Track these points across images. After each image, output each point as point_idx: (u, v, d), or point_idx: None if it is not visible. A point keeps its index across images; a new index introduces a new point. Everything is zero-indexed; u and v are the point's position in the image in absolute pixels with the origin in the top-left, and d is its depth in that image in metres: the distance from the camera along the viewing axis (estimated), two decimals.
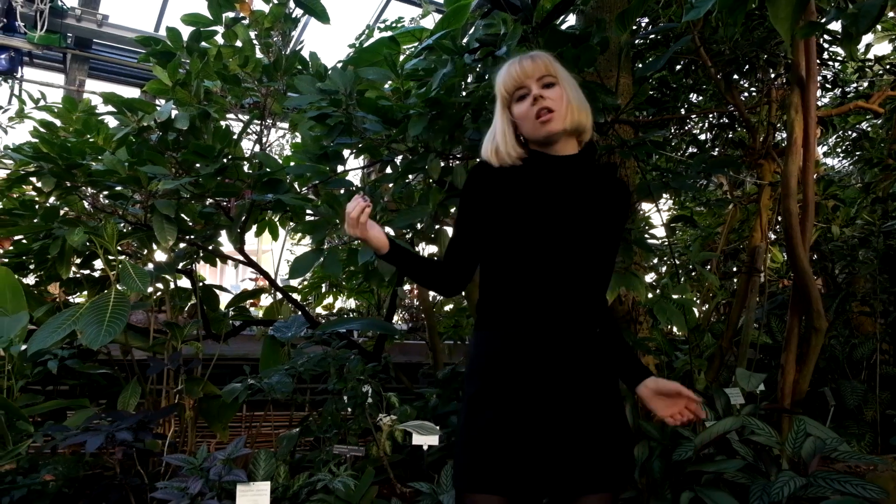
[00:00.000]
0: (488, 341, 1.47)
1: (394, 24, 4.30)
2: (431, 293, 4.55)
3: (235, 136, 3.00)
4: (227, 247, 3.68)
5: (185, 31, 2.88)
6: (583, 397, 1.41)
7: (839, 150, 6.57)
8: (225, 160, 2.62)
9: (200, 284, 3.68)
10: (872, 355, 4.08)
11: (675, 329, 4.81)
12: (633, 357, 1.54)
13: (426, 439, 2.44)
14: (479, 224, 1.50)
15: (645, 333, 2.77)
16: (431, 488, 2.44)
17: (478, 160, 1.58)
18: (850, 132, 6.09)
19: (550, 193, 1.47)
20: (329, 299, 5.59)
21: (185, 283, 3.71)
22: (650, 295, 2.72)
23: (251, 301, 5.14)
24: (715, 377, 3.51)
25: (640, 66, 3.30)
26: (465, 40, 3.09)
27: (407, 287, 5.56)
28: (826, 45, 4.04)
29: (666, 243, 4.40)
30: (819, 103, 4.70)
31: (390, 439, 2.97)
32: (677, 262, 4.49)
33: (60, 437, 2.44)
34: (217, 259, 3.75)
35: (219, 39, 2.96)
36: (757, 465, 2.44)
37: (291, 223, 4.74)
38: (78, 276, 3.46)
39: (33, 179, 3.01)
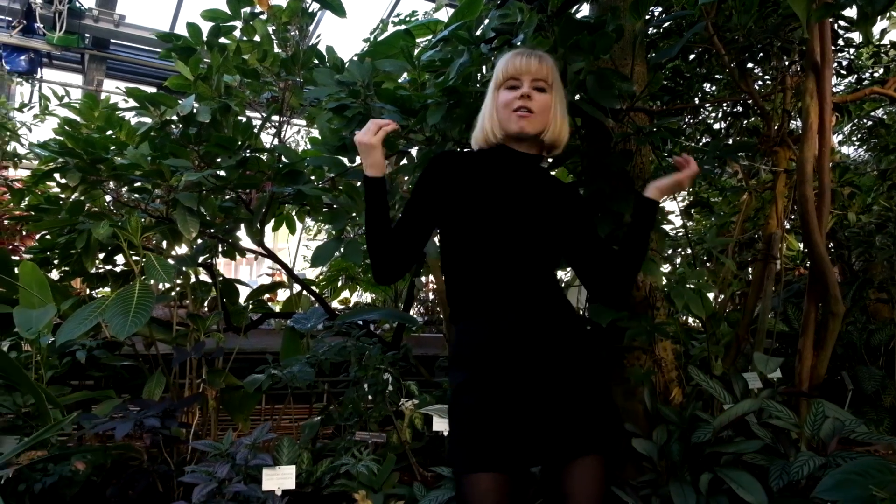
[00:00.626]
0: (467, 330, 1.53)
1: (408, 18, 4.32)
2: None
3: (256, 130, 3.04)
4: (245, 242, 3.73)
5: (205, 27, 2.93)
6: (560, 370, 1.48)
7: (854, 138, 6.54)
8: (246, 152, 2.67)
9: (220, 278, 3.74)
10: (890, 342, 4.07)
11: (690, 319, 4.84)
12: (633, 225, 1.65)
13: (446, 424, 2.47)
14: (433, 212, 1.57)
15: (662, 318, 2.79)
16: (453, 472, 2.48)
17: (441, 152, 1.65)
18: (865, 120, 6.07)
19: (506, 186, 1.56)
20: (346, 293, 5.63)
21: (204, 278, 3.77)
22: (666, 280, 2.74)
23: (268, 296, 5.20)
24: (732, 364, 3.52)
25: (654, 54, 3.30)
26: (479, 31, 3.11)
27: (423, 279, 5.60)
28: (841, 32, 4.03)
29: (682, 233, 4.41)
30: (834, 90, 4.69)
31: (411, 427, 3.01)
32: (693, 250, 4.50)
33: (90, 424, 2.49)
34: (235, 254, 3.80)
35: (237, 35, 3.01)
36: (776, 448, 2.46)
37: (308, 217, 4.80)
38: (101, 271, 3.52)
39: (58, 176, 3.08)
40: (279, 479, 2.22)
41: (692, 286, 2.73)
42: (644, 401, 2.72)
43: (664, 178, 1.68)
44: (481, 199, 1.54)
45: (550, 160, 2.70)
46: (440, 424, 2.53)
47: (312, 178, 3.15)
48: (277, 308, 5.33)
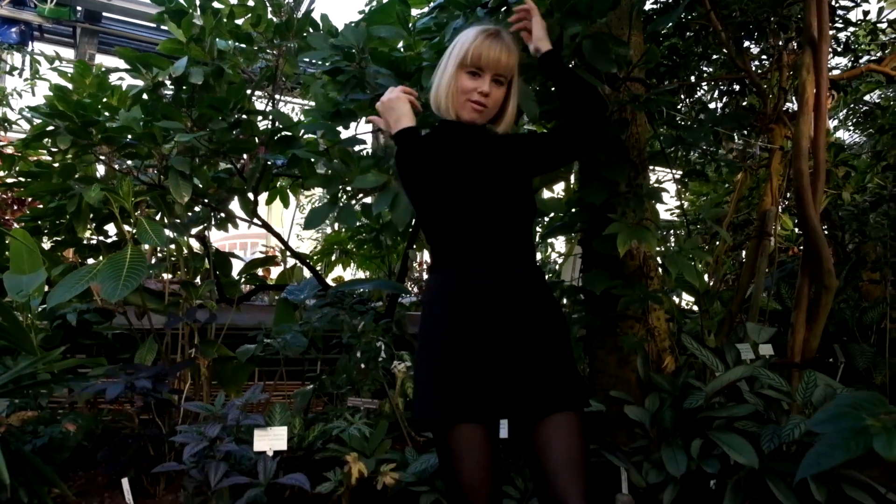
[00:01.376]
0: (441, 280, 1.55)
1: None
2: None
3: (249, 92, 3.02)
4: (238, 214, 3.71)
5: None
6: (533, 324, 1.48)
7: (850, 122, 6.55)
8: (239, 115, 2.64)
9: (213, 250, 3.72)
10: (882, 320, 4.09)
11: (683, 302, 4.85)
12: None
13: None
14: (419, 185, 1.58)
15: (656, 287, 2.79)
16: None
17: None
18: (861, 105, 6.07)
19: (463, 151, 1.62)
20: (339, 269, 5.62)
21: (198, 250, 3.76)
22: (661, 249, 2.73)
23: (262, 272, 5.19)
24: (725, 338, 3.53)
25: (652, 23, 3.28)
26: None
27: (417, 255, 5.59)
28: (841, 12, 4.02)
29: (676, 212, 4.41)
30: (831, 70, 4.68)
31: (403, 396, 3.01)
32: (688, 225, 4.50)
33: (80, 387, 2.48)
34: (228, 226, 3.78)
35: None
36: (767, 415, 2.47)
37: (302, 192, 4.78)
38: (93, 241, 3.50)
39: (49, 143, 3.05)
40: (271, 439, 2.22)
41: (687, 255, 2.73)
42: (637, 369, 2.72)
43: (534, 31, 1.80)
44: (447, 164, 1.59)
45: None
46: None
47: (305, 146, 3.13)
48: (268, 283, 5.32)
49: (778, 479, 2.16)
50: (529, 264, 1.57)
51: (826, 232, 4.85)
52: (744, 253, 4.66)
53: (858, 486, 2.15)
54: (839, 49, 4.29)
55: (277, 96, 3.59)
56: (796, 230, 4.93)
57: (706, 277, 4.61)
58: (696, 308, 4.41)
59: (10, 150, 3.38)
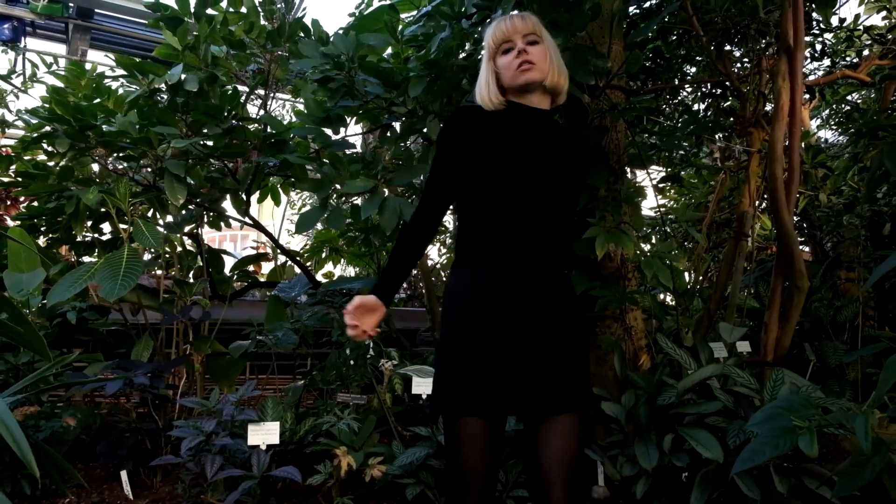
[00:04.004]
0: (471, 275, 1.57)
1: None
2: (430, 259, 4.68)
3: (242, 100, 3.10)
4: (230, 213, 3.80)
5: None
6: (554, 329, 1.54)
7: (832, 122, 6.67)
8: (233, 122, 2.74)
9: (206, 248, 3.81)
10: (856, 318, 4.22)
11: (668, 298, 4.98)
12: None
13: (425, 385, 2.58)
14: (457, 166, 1.60)
15: (633, 288, 2.91)
16: (430, 431, 2.59)
17: (456, 108, 1.70)
18: (843, 105, 6.19)
19: (525, 140, 1.60)
20: (329, 266, 5.71)
21: (191, 248, 3.85)
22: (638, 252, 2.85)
23: (253, 268, 5.28)
24: (703, 337, 3.65)
25: (633, 32, 3.39)
26: (463, 8, 3.18)
27: None
28: (816, 18, 4.13)
29: (656, 211, 4.53)
30: (811, 74, 4.81)
31: (391, 391, 3.12)
32: (667, 228, 4.62)
33: (81, 383, 2.58)
34: (221, 224, 3.87)
35: (224, 6, 3.06)
36: (737, 411, 2.59)
37: (293, 191, 4.87)
38: (88, 238, 3.58)
39: (45, 144, 3.13)
40: (264, 434, 2.32)
41: (662, 258, 2.85)
42: (614, 367, 2.84)
43: None
44: (503, 153, 1.59)
45: None
46: (419, 387, 2.63)
47: (297, 151, 3.23)
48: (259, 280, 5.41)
49: (743, 472, 2.28)
50: (560, 269, 1.61)
51: (805, 231, 5.00)
52: (724, 251, 4.79)
53: (819, 478, 2.28)
54: (816, 54, 4.41)
55: (270, 97, 3.68)
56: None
57: (687, 275, 4.74)
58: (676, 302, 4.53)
59: (7, 151, 3.45)
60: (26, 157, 3.40)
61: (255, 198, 4.05)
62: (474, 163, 1.58)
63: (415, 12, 3.68)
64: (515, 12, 1.70)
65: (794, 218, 4.17)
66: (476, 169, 1.58)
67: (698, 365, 2.82)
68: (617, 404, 2.72)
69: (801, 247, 4.25)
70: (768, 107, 4.13)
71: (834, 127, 6.79)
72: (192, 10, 2.91)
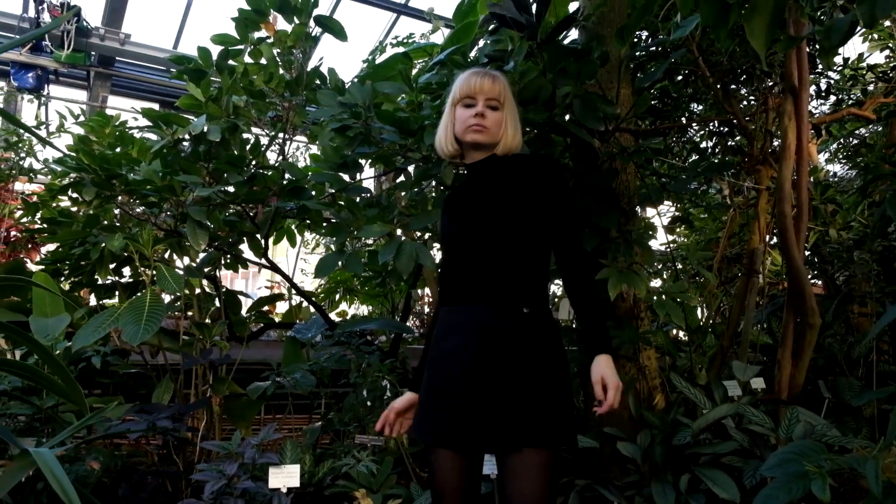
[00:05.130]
0: (443, 315, 1.74)
1: (406, 41, 4.51)
2: None
3: (263, 148, 3.21)
4: (246, 254, 3.87)
5: (214, 50, 3.11)
6: (514, 363, 1.59)
7: (840, 156, 6.72)
8: (253, 169, 2.83)
9: (224, 289, 3.88)
10: (869, 354, 4.21)
11: (681, 334, 4.99)
12: (592, 332, 1.63)
13: None
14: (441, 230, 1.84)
15: (646, 328, 2.94)
16: None
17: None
18: (850, 139, 6.25)
19: (475, 192, 1.76)
20: (343, 305, 5.77)
21: (208, 290, 3.91)
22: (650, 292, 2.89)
23: (267, 308, 5.34)
24: (717, 374, 3.67)
25: (640, 76, 3.47)
26: (473, 54, 3.28)
27: (419, 292, 5.74)
28: (818, 57, 4.21)
29: (667, 248, 4.57)
30: (818, 112, 4.88)
31: (407, 433, 3.14)
32: (678, 266, 4.65)
33: (104, 427, 2.63)
34: (238, 266, 3.95)
35: (245, 58, 3.18)
36: (752, 451, 2.60)
37: (307, 232, 4.95)
38: (109, 281, 3.66)
39: (72, 192, 3.23)
40: (284, 477, 2.36)
41: (675, 298, 2.89)
42: (629, 406, 2.86)
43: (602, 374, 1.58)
44: (460, 206, 1.78)
45: None
46: None
47: (314, 193, 3.32)
48: (276, 320, 5.48)
49: None
50: (523, 303, 1.63)
51: (816, 266, 5.02)
52: (736, 287, 4.81)
53: None
54: (822, 93, 4.48)
55: (287, 142, 3.78)
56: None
57: (699, 311, 4.76)
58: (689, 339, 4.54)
59: (33, 198, 3.56)
60: (52, 205, 3.51)
61: (270, 239, 4.14)
62: (442, 219, 1.83)
63: (427, 59, 3.80)
64: (487, 70, 1.78)
65: (805, 253, 4.20)
66: (442, 224, 1.82)
67: (712, 404, 2.84)
68: (632, 444, 2.74)
69: (812, 281, 4.28)
70: (776, 143, 4.20)
71: (843, 160, 6.83)
72: (214, 62, 3.03)
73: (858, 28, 1.76)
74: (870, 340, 4.23)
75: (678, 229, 5.80)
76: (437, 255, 3.31)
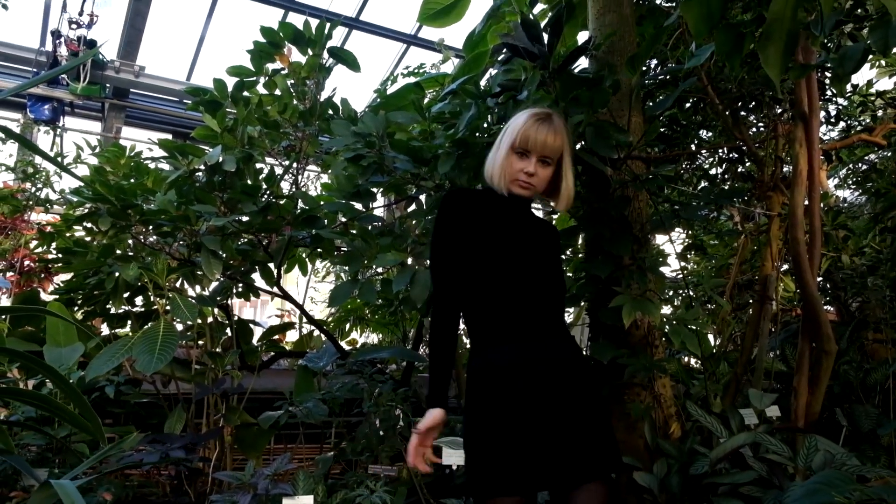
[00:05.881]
0: (490, 358, 1.64)
1: (416, 70, 4.57)
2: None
3: (277, 177, 3.24)
4: (258, 284, 3.89)
5: (229, 81, 3.16)
6: (574, 398, 1.60)
7: (850, 181, 6.72)
8: (269, 199, 2.85)
9: (235, 318, 3.89)
10: (886, 381, 4.17)
11: (693, 361, 4.96)
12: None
13: (456, 457, 2.59)
14: (458, 247, 1.71)
15: (661, 356, 2.92)
16: (461, 503, 2.59)
17: (449, 189, 1.86)
18: (860, 164, 6.25)
19: (514, 224, 1.76)
20: (354, 334, 5.76)
21: (220, 319, 3.92)
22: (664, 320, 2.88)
23: (278, 336, 5.34)
24: (731, 402, 3.63)
25: (651, 104, 3.50)
26: (484, 80, 3.32)
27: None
28: (828, 84, 4.24)
29: (679, 275, 4.55)
30: (827, 137, 4.89)
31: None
32: (691, 293, 4.63)
33: (117, 457, 2.62)
34: (250, 295, 3.96)
35: (260, 89, 3.23)
36: (771, 480, 2.56)
37: (319, 260, 4.97)
38: (121, 311, 3.68)
39: (87, 222, 3.26)
40: None
41: (689, 325, 2.87)
42: (645, 435, 2.83)
43: None
44: (500, 237, 1.72)
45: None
46: (450, 457, 2.64)
47: (326, 221, 3.34)
48: (287, 349, 5.47)
49: None
50: (568, 338, 1.70)
51: (830, 292, 4.98)
52: (749, 314, 4.77)
53: None
54: (831, 119, 4.50)
55: (301, 171, 3.81)
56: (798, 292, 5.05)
57: (711, 338, 4.72)
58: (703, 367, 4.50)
59: (50, 229, 3.60)
60: (67, 235, 3.54)
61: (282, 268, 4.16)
62: (473, 244, 1.71)
63: (438, 88, 3.84)
64: (552, 117, 1.77)
65: (818, 279, 4.18)
66: (475, 250, 1.70)
67: (729, 432, 2.81)
68: (649, 474, 2.71)
69: (826, 307, 4.25)
70: (786, 169, 4.21)
71: (853, 186, 6.83)
72: (230, 93, 3.08)
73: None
74: (886, 367, 4.18)
75: (690, 256, 5.79)
76: None
